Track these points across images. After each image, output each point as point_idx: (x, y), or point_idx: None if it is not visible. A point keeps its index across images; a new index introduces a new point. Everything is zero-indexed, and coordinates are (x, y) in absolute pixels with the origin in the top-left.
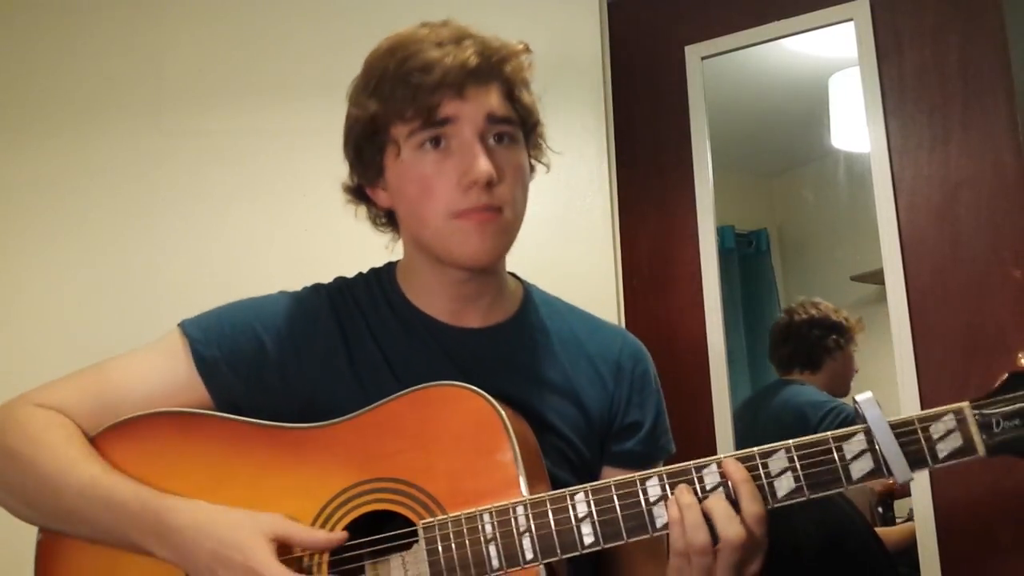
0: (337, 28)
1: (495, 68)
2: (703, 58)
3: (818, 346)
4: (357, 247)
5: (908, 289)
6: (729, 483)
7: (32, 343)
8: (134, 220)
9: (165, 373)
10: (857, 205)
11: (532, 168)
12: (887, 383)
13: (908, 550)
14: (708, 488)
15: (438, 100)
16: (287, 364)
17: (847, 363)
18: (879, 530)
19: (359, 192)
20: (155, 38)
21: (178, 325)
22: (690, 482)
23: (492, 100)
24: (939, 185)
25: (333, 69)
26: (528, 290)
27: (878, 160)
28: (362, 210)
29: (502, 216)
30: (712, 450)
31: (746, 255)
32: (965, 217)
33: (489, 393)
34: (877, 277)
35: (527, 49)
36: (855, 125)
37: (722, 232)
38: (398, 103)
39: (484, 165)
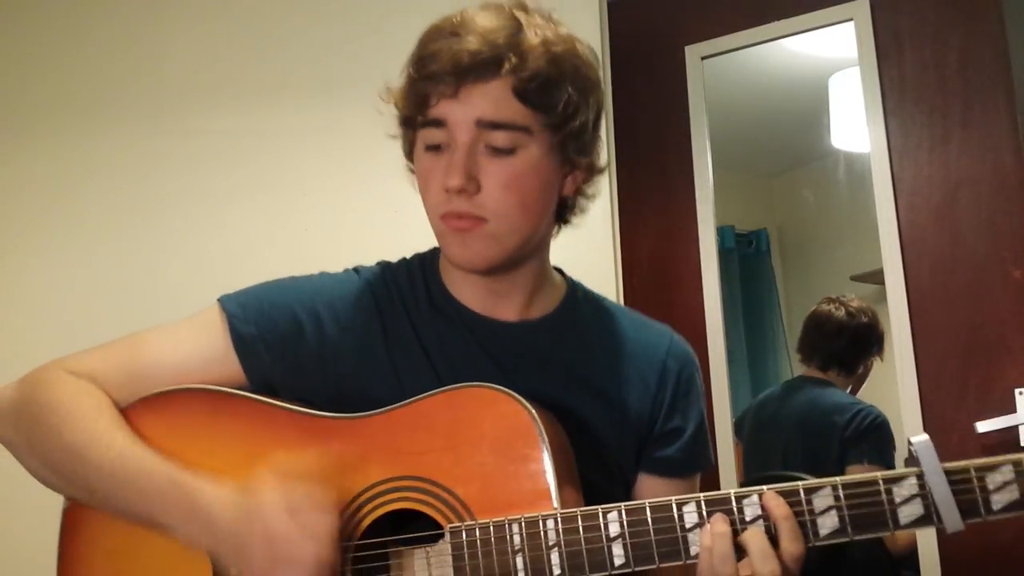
0: (337, 28)
1: (500, 61)
2: (703, 58)
3: (864, 353)
4: (357, 247)
5: (908, 289)
6: (769, 517)
7: (32, 343)
8: (134, 220)
9: (201, 348)
10: (857, 205)
11: (568, 171)
12: (887, 383)
13: (913, 554)
14: (748, 519)
15: (432, 99)
16: (324, 347)
17: (868, 373)
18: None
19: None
20: (155, 38)
21: (217, 300)
22: (729, 512)
23: (486, 101)
24: (939, 185)
25: (333, 69)
26: (572, 286)
27: (878, 160)
28: (359, 207)
29: (485, 226)
30: (712, 450)
31: (746, 255)
32: (965, 217)
33: (524, 391)
34: (877, 277)
35: (565, 40)
36: (855, 125)
37: (722, 232)
38: (408, 96)
39: (452, 177)
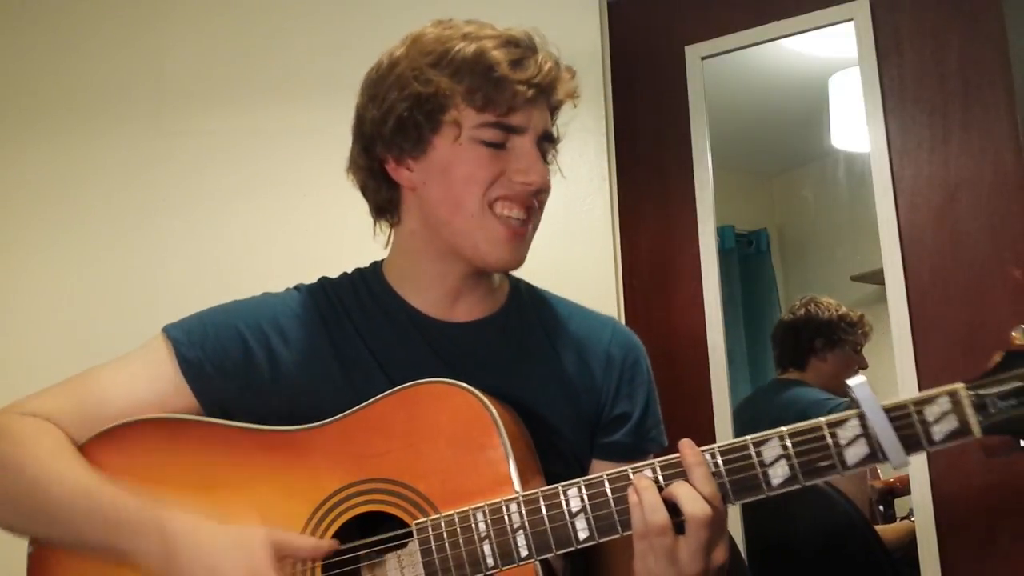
0: (337, 28)
1: (554, 88)
2: (703, 58)
3: (803, 347)
4: (357, 247)
5: (908, 289)
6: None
7: (32, 343)
8: (134, 220)
9: (151, 379)
10: (857, 205)
11: None
12: (888, 383)
13: (907, 548)
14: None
15: (517, 104)
16: (274, 365)
17: (839, 364)
18: (878, 528)
19: (375, 167)
20: (155, 38)
21: (161, 330)
22: (683, 473)
23: (547, 116)
24: (939, 185)
25: (333, 69)
26: (515, 283)
27: (878, 160)
28: (360, 207)
29: (529, 228)
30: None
31: (746, 255)
32: (965, 217)
33: (477, 388)
34: (877, 277)
35: (574, 76)
36: (855, 125)
37: (722, 232)
38: (470, 87)
39: (543, 172)
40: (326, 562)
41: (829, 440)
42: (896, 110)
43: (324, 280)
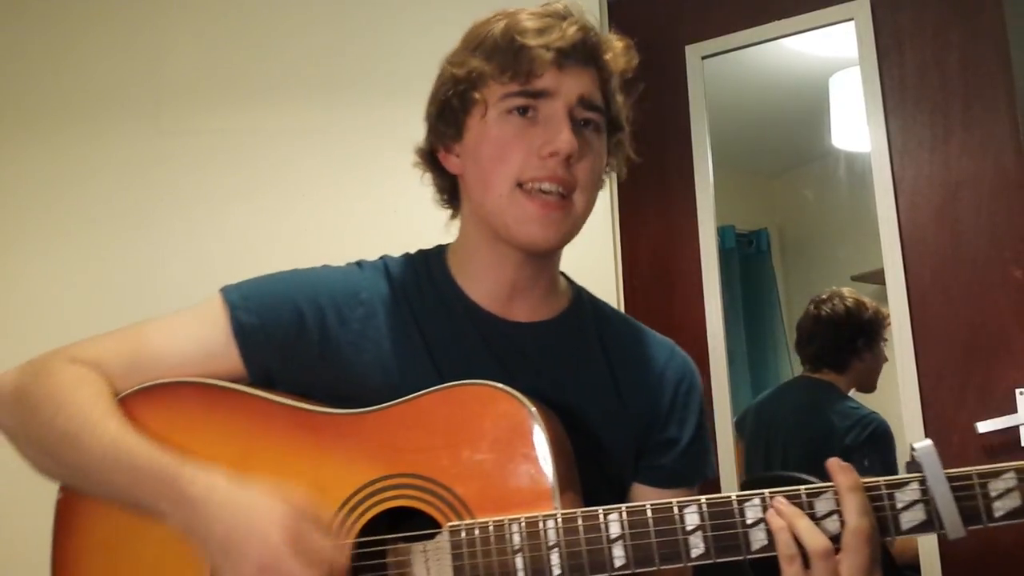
0: (336, 28)
1: (594, 52)
2: (703, 57)
3: (845, 349)
4: (357, 247)
5: (909, 288)
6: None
7: (31, 343)
8: (134, 220)
9: (202, 337)
10: (858, 205)
11: (607, 170)
12: (888, 382)
13: (913, 556)
14: (750, 523)
15: (539, 69)
16: (325, 340)
17: (874, 362)
18: (900, 540)
19: (431, 157)
20: (155, 38)
21: (220, 290)
22: (730, 513)
23: (587, 83)
24: (940, 185)
25: (332, 69)
26: (579, 292)
27: (879, 160)
28: (359, 207)
29: (569, 203)
30: (712, 451)
31: (747, 255)
32: (966, 217)
33: (526, 391)
34: (878, 277)
35: (630, 47)
36: (856, 125)
37: (723, 232)
38: (498, 62)
39: (569, 138)
40: (354, 552)
41: (886, 501)
42: (897, 110)
43: (387, 259)
